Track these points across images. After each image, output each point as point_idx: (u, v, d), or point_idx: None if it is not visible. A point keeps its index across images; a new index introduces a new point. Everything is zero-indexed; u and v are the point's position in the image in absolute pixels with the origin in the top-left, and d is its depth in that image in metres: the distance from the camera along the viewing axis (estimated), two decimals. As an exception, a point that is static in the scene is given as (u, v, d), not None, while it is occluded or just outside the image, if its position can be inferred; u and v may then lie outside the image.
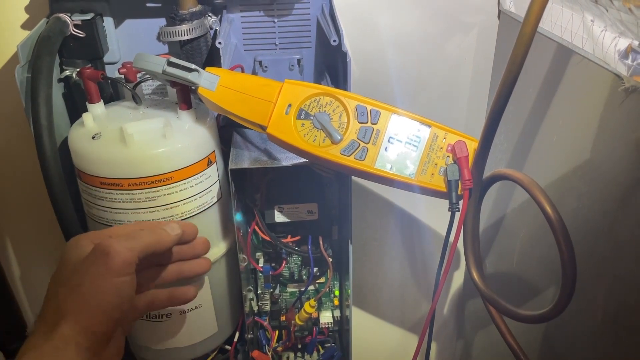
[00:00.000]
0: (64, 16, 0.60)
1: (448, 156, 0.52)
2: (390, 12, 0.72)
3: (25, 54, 0.56)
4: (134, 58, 0.56)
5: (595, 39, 0.46)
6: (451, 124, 0.52)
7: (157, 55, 0.57)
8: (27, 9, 0.66)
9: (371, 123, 0.53)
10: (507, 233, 0.72)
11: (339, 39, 0.59)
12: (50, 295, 0.43)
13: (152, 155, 0.54)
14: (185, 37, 0.61)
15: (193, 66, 0.54)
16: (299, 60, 0.70)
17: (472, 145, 0.51)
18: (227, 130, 0.64)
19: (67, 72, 0.63)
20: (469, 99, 0.78)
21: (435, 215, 0.84)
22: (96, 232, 0.48)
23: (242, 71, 0.66)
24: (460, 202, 0.50)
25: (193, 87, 0.55)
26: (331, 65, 0.70)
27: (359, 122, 0.53)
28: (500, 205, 0.71)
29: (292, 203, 0.65)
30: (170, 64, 0.54)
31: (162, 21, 0.67)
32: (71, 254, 0.44)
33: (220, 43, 0.58)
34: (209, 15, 0.64)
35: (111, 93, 0.67)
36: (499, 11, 0.71)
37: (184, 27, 0.61)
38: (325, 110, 0.54)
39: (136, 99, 0.60)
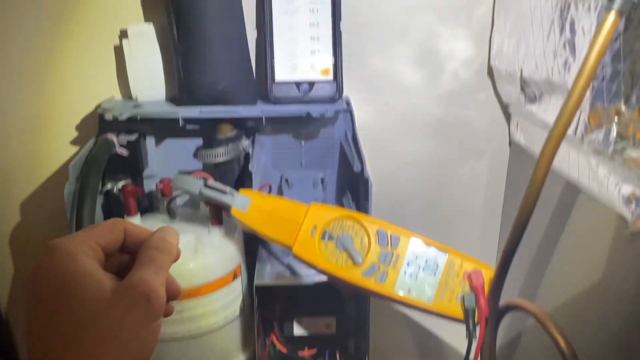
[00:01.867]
0: (111, 136, 0.66)
1: (465, 283, 0.54)
2: (408, 138, 0.78)
3: (75, 173, 0.61)
4: (173, 178, 0.61)
5: (600, 181, 0.50)
6: (464, 245, 0.55)
7: (192, 172, 0.63)
8: (78, 127, 0.73)
9: (391, 247, 0.56)
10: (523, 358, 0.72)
11: (362, 165, 0.64)
12: (55, 341, 0.30)
13: (183, 270, 0.57)
14: (221, 160, 0.67)
15: (228, 189, 0.58)
16: (322, 179, 0.75)
17: (488, 274, 0.54)
18: (253, 240, 0.67)
19: (109, 186, 0.67)
20: (481, 221, 0.81)
21: (453, 332, 0.85)
22: (92, 245, 0.34)
23: (270, 189, 0.71)
24: (477, 329, 0.52)
25: (226, 208, 0.59)
26: (352, 185, 0.74)
27: (379, 246, 0.56)
28: (515, 329, 0.72)
29: (310, 316, 0.66)
30: (207, 186, 0.58)
31: (199, 141, 0.73)
32: (80, 284, 0.31)
33: (252, 167, 0.63)
34: (243, 139, 0.70)
35: (147, 204, 0.72)
36: (510, 140, 0.77)
37: (220, 150, 0.66)
38: (348, 233, 0.57)
39: (171, 215, 0.64)
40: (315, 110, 0.66)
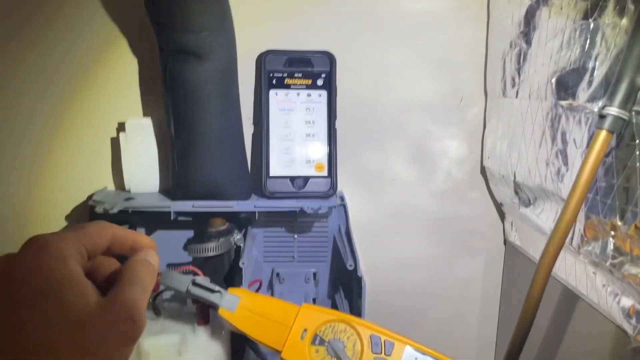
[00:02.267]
0: (102, 228, 0.65)
1: (462, 396, 0.51)
2: (402, 234, 0.77)
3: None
4: (160, 276, 0.59)
5: (598, 291, 0.49)
6: (460, 347, 0.52)
7: (181, 266, 0.62)
8: (69, 217, 0.72)
9: (385, 354, 0.54)
10: None
11: (355, 263, 0.63)
12: (23, 346, 0.26)
13: (165, 374, 0.54)
14: (211, 254, 0.65)
15: (217, 288, 0.56)
16: (314, 274, 0.74)
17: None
18: (240, 339, 0.64)
19: (95, 278, 0.66)
20: (478, 322, 0.79)
21: None
22: (77, 248, 0.32)
23: (261, 285, 0.69)
24: None
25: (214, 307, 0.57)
26: (345, 282, 0.72)
27: (372, 353, 0.54)
28: None
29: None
30: (194, 284, 0.57)
31: (190, 233, 0.72)
32: (65, 291, 0.28)
33: (243, 263, 0.62)
34: (235, 233, 0.69)
35: (132, 298, 0.69)
36: (505, 239, 0.76)
37: (210, 244, 0.65)
38: (339, 337, 0.55)
39: (156, 311, 0.62)
40: (308, 206, 0.65)
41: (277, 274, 0.73)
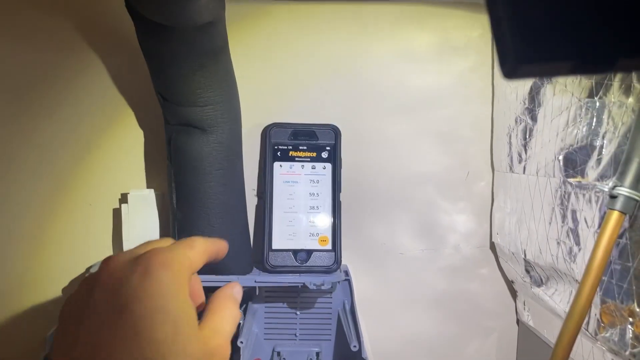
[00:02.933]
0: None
1: None
2: (410, 312, 0.74)
3: (50, 345, 0.57)
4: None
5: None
6: None
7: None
8: (65, 290, 0.70)
9: None
10: None
11: (359, 344, 0.60)
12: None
13: None
14: (209, 331, 0.62)
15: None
16: (317, 354, 0.70)
17: None
18: None
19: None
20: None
21: None
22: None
23: (260, 365, 0.65)
24: None
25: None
26: (349, 358, 0.69)
27: None
28: None
29: None
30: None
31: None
32: (176, 318, 0.27)
33: (242, 342, 0.59)
34: (235, 309, 0.66)
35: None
36: (517, 319, 0.72)
37: (209, 321, 0.63)
38: None
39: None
40: (311, 281, 0.63)
41: (278, 353, 0.70)
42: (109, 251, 0.70)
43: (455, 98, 0.72)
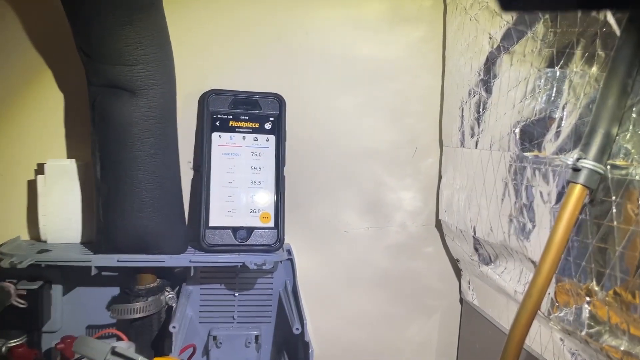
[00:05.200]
0: (8, 285, 0.56)
1: None
2: (353, 291, 0.71)
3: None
4: (74, 342, 0.50)
5: (567, 359, 0.44)
6: None
7: (102, 330, 0.53)
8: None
9: None
10: None
11: (302, 327, 0.57)
12: None
13: None
14: (138, 315, 0.57)
15: (139, 358, 0.48)
16: (256, 337, 0.66)
17: None
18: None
19: (-4, 345, 0.56)
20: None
21: None
22: None
23: (194, 351, 0.60)
24: None
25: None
26: (291, 345, 0.65)
27: None
28: None
29: None
30: (114, 353, 0.48)
31: (115, 290, 0.63)
32: None
33: (174, 327, 0.54)
34: (166, 291, 0.61)
35: (42, 366, 0.60)
36: (461, 298, 0.72)
37: (137, 305, 0.57)
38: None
39: (67, 385, 0.52)
40: (251, 260, 0.59)
41: (214, 337, 0.65)
42: (22, 228, 0.62)
43: (406, 70, 0.69)
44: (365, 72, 0.68)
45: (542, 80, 0.44)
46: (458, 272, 0.72)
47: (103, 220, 0.56)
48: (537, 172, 0.44)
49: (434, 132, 0.70)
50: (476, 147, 0.54)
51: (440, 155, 0.70)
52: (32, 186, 0.61)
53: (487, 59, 0.52)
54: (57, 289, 0.62)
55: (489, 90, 0.52)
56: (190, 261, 0.58)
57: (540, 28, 0.44)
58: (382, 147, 0.69)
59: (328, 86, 0.68)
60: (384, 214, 0.70)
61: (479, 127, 0.54)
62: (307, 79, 0.67)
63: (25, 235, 0.63)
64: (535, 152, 0.44)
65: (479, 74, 0.54)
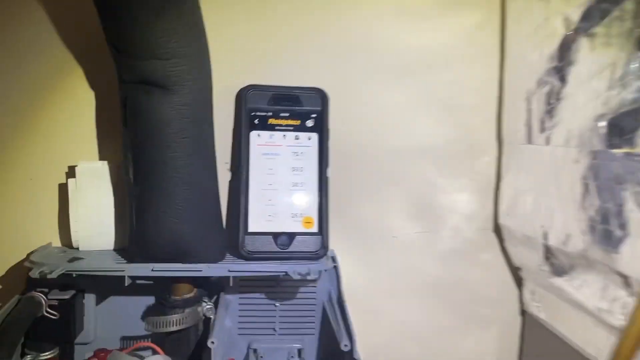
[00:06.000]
0: (39, 296, 0.53)
1: None
2: (403, 302, 0.66)
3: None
4: (107, 358, 0.47)
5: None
6: None
7: (136, 343, 0.50)
8: (3, 279, 0.59)
9: None
10: None
11: (351, 343, 0.52)
12: None
13: None
14: (174, 328, 0.53)
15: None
16: (299, 351, 0.62)
17: None
18: None
19: (29, 358, 0.53)
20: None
21: None
22: None
23: (234, 367, 0.56)
24: None
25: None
26: (337, 357, 0.60)
27: None
28: None
29: None
30: (148, 373, 0.44)
31: (150, 300, 0.60)
32: None
33: (213, 342, 0.50)
34: (204, 301, 0.57)
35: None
36: (522, 309, 0.65)
37: (173, 317, 0.53)
38: None
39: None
40: (294, 270, 0.54)
41: (255, 351, 0.61)
42: (54, 234, 0.59)
43: (458, 60, 0.63)
44: (413, 63, 0.63)
45: (634, 66, 0.37)
46: (519, 281, 0.65)
47: (136, 227, 0.53)
48: (629, 172, 0.37)
49: (491, 128, 0.64)
50: (547, 144, 0.48)
51: (498, 152, 0.64)
52: (63, 190, 0.58)
53: (562, 44, 0.46)
54: (90, 299, 0.58)
55: (563, 79, 0.46)
56: (229, 270, 0.54)
57: (629, 5, 0.38)
58: (433, 144, 0.64)
59: (373, 79, 0.63)
60: (436, 218, 0.65)
61: (550, 121, 0.48)
62: (350, 72, 0.62)
63: (57, 242, 0.60)
64: (627, 149, 0.38)
65: (551, 61, 0.47)
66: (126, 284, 0.52)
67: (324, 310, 0.62)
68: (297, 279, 0.53)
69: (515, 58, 0.56)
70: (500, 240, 0.65)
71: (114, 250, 0.59)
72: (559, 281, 0.50)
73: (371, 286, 0.65)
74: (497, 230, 0.65)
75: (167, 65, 0.48)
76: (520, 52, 0.54)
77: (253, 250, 0.57)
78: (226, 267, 0.54)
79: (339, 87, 0.61)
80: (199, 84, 0.51)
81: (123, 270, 0.52)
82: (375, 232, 0.65)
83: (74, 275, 0.52)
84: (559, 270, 0.50)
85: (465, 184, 0.65)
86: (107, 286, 0.58)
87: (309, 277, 0.53)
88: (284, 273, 0.54)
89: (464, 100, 0.64)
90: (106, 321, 0.60)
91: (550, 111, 0.48)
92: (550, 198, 0.48)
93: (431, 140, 0.64)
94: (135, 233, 0.53)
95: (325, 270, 0.59)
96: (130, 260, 0.54)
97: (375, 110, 0.63)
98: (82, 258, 0.55)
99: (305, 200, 0.59)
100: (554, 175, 0.47)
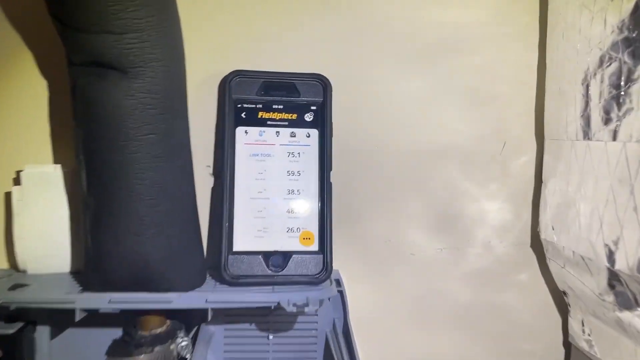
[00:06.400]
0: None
1: None
2: (423, 333, 0.55)
3: None
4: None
5: None
6: None
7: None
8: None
9: None
10: None
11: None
12: None
13: None
14: (138, 373, 0.43)
15: None
16: (297, 393, 0.51)
17: None
18: None
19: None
20: None
21: None
22: None
23: (215, 418, 0.46)
24: None
25: None
26: (342, 405, 0.50)
27: None
28: None
29: None
30: None
31: (116, 332, 0.49)
32: None
33: (185, 394, 0.39)
34: (179, 337, 0.46)
35: None
36: (566, 340, 0.54)
37: (138, 358, 0.43)
38: None
39: None
40: (289, 299, 0.43)
41: (244, 393, 0.50)
42: (0, 255, 0.49)
43: (488, 40, 0.52)
44: (435, 44, 0.52)
45: None
46: (563, 308, 0.54)
47: (92, 247, 0.42)
48: None
49: (528, 121, 0.53)
50: (614, 139, 0.37)
51: (538, 151, 0.53)
52: (7, 201, 0.48)
53: (636, 8, 0.35)
54: (42, 332, 0.48)
55: (636, 55, 0.35)
56: (207, 301, 0.43)
57: None
58: (458, 142, 0.53)
59: (386, 64, 0.52)
60: (462, 231, 0.54)
61: (619, 110, 0.37)
62: (358, 55, 0.52)
63: (4, 263, 0.49)
64: None
65: (620, 31, 0.36)
66: (77, 319, 0.42)
67: (326, 343, 0.51)
68: (293, 311, 0.42)
69: (565, 32, 0.45)
70: (540, 257, 0.54)
71: (71, 273, 0.48)
72: (627, 316, 0.39)
73: (384, 314, 0.54)
74: (536, 245, 0.53)
75: (122, 41, 0.37)
76: (573, 24, 0.43)
77: (238, 273, 0.46)
78: (203, 297, 0.43)
79: (345, 74, 0.50)
80: (167, 66, 0.40)
81: (73, 302, 0.42)
82: (389, 249, 0.54)
83: (11, 309, 0.41)
84: (627, 303, 0.39)
85: (498, 190, 0.54)
86: (63, 317, 0.48)
87: (307, 310, 0.42)
88: (276, 304, 0.43)
89: (495, 89, 0.53)
90: (63, 358, 0.49)
91: (618, 97, 0.37)
92: (618, 209, 0.37)
93: (456, 137, 0.53)
94: (91, 254, 0.42)
95: (329, 299, 0.48)
96: (85, 288, 0.44)
97: (388, 102, 0.52)
98: (27, 285, 0.44)
99: (303, 211, 0.48)
100: (626, 180, 0.36)
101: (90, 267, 0.43)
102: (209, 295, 0.43)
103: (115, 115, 0.39)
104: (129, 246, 0.41)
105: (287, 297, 0.43)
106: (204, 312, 0.45)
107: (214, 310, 0.44)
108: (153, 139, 0.40)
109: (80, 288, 0.44)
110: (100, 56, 0.38)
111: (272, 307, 0.43)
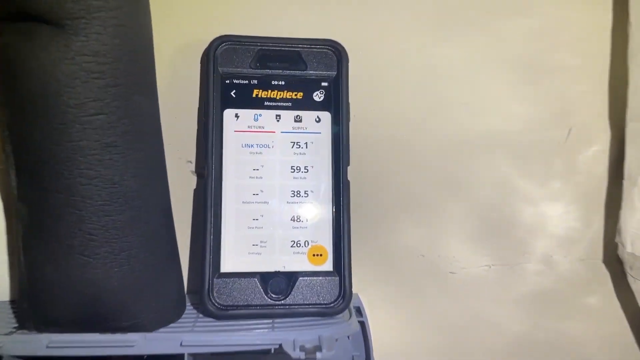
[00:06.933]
0: None
1: None
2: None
3: None
4: None
5: None
6: None
7: None
8: None
9: None
10: None
11: None
12: None
13: None
14: None
15: None
16: None
17: None
18: None
19: None
20: None
21: None
22: None
23: None
24: None
25: None
26: None
27: None
28: None
29: None
30: None
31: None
32: None
33: None
34: (149, 388, 0.35)
35: None
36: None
37: None
38: None
39: None
40: (295, 340, 0.32)
41: None
42: None
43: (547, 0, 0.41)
44: (478, 4, 0.41)
45: None
46: (647, 339, 0.43)
47: (25, 270, 0.31)
48: None
49: (600, 102, 0.42)
50: None
51: (613, 139, 0.42)
52: None
53: None
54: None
55: None
56: (182, 344, 0.31)
57: None
58: (509, 129, 0.42)
59: (416, 30, 0.41)
60: (516, 243, 0.42)
61: None
62: (380, 18, 0.41)
63: None
64: None
65: None
66: (3, 370, 0.31)
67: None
68: (300, 358, 0.31)
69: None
70: (616, 275, 0.42)
71: (10, 302, 0.37)
72: None
73: (415, 350, 0.43)
74: (610, 260, 0.42)
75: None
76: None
77: (227, 303, 0.35)
78: (178, 338, 0.32)
79: (364, 41, 0.39)
80: (120, 18, 0.29)
81: (0, 347, 0.31)
82: (422, 266, 0.42)
83: None
84: None
85: (561, 190, 0.42)
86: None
87: (319, 356, 0.31)
88: (276, 346, 0.32)
89: (555, 60, 0.41)
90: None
91: None
92: None
93: (506, 123, 0.42)
94: (25, 280, 0.31)
95: (348, 337, 0.37)
96: (18, 323, 0.33)
97: (418, 78, 0.41)
98: (-56, 320, 0.33)
99: (312, 219, 0.37)
100: None
101: (25, 297, 0.32)
102: (184, 336, 0.32)
103: (48, 88, 0.28)
104: (73, 270, 0.30)
105: (291, 337, 0.32)
106: (180, 356, 0.34)
107: (194, 355, 0.33)
108: (102, 120, 0.29)
109: (15, 325, 0.33)
110: (27, 5, 0.27)
111: (272, 351, 0.32)
